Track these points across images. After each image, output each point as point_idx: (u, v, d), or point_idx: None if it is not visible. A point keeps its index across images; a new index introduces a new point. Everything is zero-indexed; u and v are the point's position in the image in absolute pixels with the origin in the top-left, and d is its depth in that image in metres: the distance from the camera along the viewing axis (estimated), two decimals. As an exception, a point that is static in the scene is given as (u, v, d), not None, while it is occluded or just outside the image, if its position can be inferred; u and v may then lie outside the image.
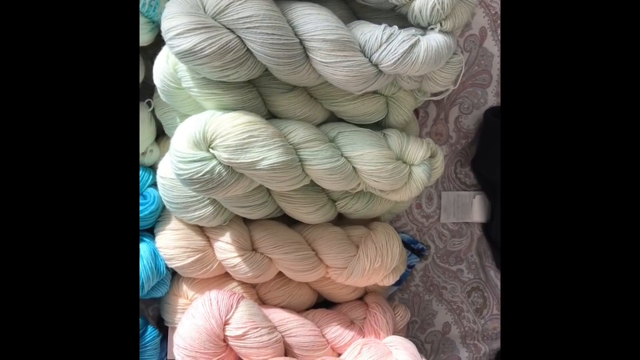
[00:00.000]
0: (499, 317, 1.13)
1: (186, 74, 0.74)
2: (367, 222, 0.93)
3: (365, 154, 0.79)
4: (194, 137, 0.71)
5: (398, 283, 1.04)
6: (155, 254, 0.85)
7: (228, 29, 0.68)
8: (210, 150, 0.71)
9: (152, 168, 0.87)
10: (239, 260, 0.83)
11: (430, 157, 0.85)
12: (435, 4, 0.72)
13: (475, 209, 1.08)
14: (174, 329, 0.86)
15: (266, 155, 0.71)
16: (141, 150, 0.84)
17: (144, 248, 0.85)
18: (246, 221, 0.87)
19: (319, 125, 0.82)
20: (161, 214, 0.87)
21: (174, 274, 0.90)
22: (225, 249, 0.84)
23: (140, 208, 0.83)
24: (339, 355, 0.89)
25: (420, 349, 1.04)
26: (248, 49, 0.69)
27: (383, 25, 0.73)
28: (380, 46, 0.71)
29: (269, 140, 0.72)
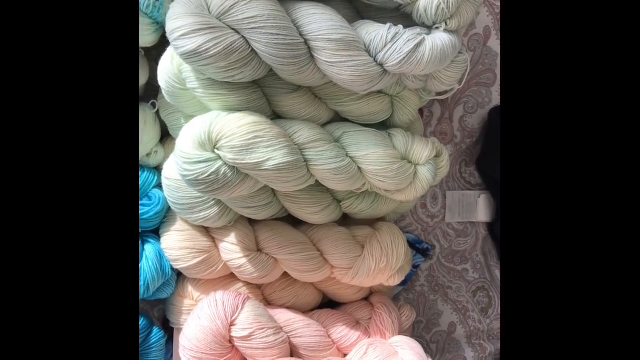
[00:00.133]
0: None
1: (191, 74, 0.74)
2: (372, 222, 0.93)
3: (370, 153, 0.78)
4: (199, 138, 0.71)
5: (403, 283, 1.04)
6: (160, 255, 0.85)
7: (233, 29, 0.68)
8: (216, 151, 0.71)
9: (157, 169, 0.87)
10: (244, 261, 0.83)
11: (435, 156, 0.85)
12: (441, 3, 0.72)
13: (480, 208, 1.08)
14: (179, 330, 0.86)
15: (271, 155, 0.71)
16: (146, 151, 0.84)
17: (149, 249, 0.85)
18: (251, 222, 0.87)
19: (323, 125, 0.82)
20: (166, 215, 0.87)
21: (179, 275, 0.90)
22: (231, 249, 0.84)
23: (146, 209, 0.83)
24: (345, 355, 0.88)
25: (426, 349, 1.03)
26: (253, 50, 0.69)
27: (388, 25, 0.73)
28: (385, 45, 0.71)
29: (274, 140, 0.72)
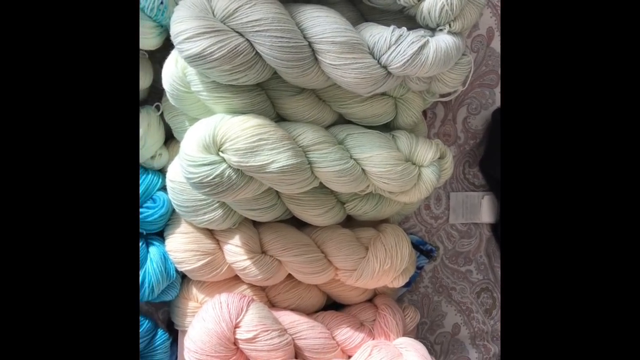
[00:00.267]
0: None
1: (195, 77, 0.74)
2: (376, 224, 0.93)
3: (374, 155, 0.78)
4: (204, 141, 0.71)
5: (407, 284, 1.04)
6: (165, 258, 0.85)
7: (237, 32, 0.68)
8: (220, 153, 0.71)
9: (162, 172, 0.87)
10: (248, 263, 0.83)
11: (439, 158, 0.85)
12: (444, 5, 0.72)
13: (484, 209, 1.08)
14: (184, 332, 0.86)
15: (276, 158, 0.71)
16: (150, 154, 0.85)
17: (153, 251, 0.85)
18: (255, 224, 0.87)
19: (327, 127, 0.82)
20: (171, 218, 0.87)
21: (183, 277, 0.90)
22: (235, 251, 0.84)
23: (150, 212, 0.84)
24: (349, 357, 0.88)
25: (430, 350, 1.04)
26: (257, 52, 0.69)
27: (392, 27, 0.73)
28: (389, 48, 0.71)
29: (279, 143, 0.72)
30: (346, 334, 0.89)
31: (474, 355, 1.12)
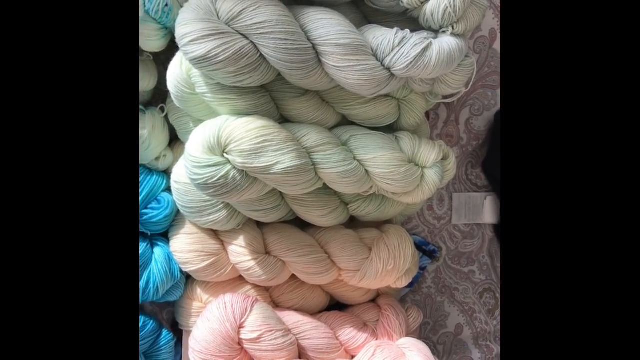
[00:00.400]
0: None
1: (200, 79, 0.75)
2: (379, 225, 0.93)
3: (377, 157, 0.79)
4: (209, 142, 0.71)
5: (410, 285, 1.04)
6: (169, 258, 0.86)
7: (242, 34, 0.69)
8: (225, 155, 0.72)
9: (166, 173, 0.88)
10: (252, 263, 0.84)
11: (442, 159, 0.85)
12: (447, 7, 0.72)
13: (487, 210, 1.08)
14: (188, 332, 0.87)
15: (280, 159, 0.72)
16: (155, 155, 0.85)
17: (158, 252, 0.86)
18: (259, 225, 0.88)
19: (331, 128, 0.82)
20: (175, 218, 0.87)
21: (188, 277, 0.91)
22: (239, 252, 0.84)
23: (155, 213, 0.84)
24: (353, 357, 0.89)
25: (433, 351, 1.04)
26: (261, 54, 0.70)
27: (395, 29, 0.73)
28: (392, 50, 0.72)
29: (283, 144, 0.72)
30: (349, 334, 0.89)
31: (476, 356, 1.13)
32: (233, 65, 0.68)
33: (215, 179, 0.71)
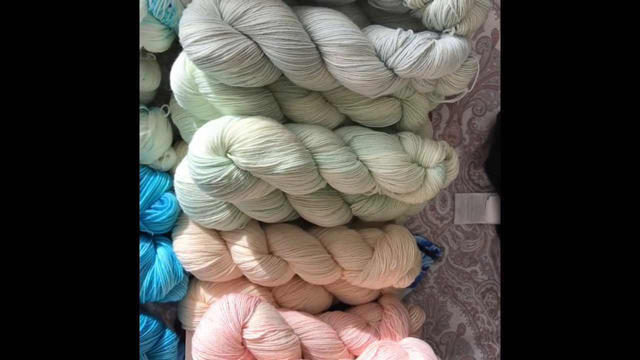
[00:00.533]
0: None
1: (203, 80, 0.75)
2: (382, 225, 0.93)
3: (380, 157, 0.79)
4: (212, 143, 0.71)
5: (413, 285, 1.04)
6: (172, 258, 0.86)
7: (245, 35, 0.69)
8: (228, 155, 0.72)
9: (169, 173, 0.88)
10: (255, 263, 0.84)
11: (445, 159, 0.86)
12: (450, 8, 0.73)
13: (489, 210, 1.08)
14: (191, 332, 0.87)
15: (283, 159, 0.72)
16: (158, 155, 0.85)
17: (161, 252, 0.86)
18: (262, 225, 0.88)
19: (334, 129, 0.83)
20: (178, 219, 0.87)
21: (191, 277, 0.91)
22: (242, 252, 0.84)
23: (158, 213, 0.84)
24: (356, 357, 0.89)
25: (436, 351, 1.04)
26: (265, 55, 0.70)
27: (398, 30, 0.73)
28: (395, 50, 0.72)
29: (286, 144, 0.72)
30: (352, 334, 0.89)
31: (479, 356, 1.13)
32: (237, 66, 0.68)
33: (219, 179, 0.71)
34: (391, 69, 0.73)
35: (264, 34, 0.68)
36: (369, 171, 0.80)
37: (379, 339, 0.91)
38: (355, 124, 0.85)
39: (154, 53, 0.82)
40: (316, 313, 0.93)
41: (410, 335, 0.93)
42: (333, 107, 0.82)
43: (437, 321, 1.12)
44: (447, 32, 0.76)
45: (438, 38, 0.75)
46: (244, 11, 0.68)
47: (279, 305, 0.91)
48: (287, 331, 0.83)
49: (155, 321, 0.88)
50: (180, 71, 0.77)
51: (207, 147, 0.72)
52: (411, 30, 0.74)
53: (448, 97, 0.90)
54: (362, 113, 0.82)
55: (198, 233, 0.85)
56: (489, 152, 1.06)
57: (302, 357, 0.86)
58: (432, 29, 0.77)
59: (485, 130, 1.06)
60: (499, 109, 1.05)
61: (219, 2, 0.69)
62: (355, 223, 0.93)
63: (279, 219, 0.85)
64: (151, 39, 0.78)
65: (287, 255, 0.85)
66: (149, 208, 0.84)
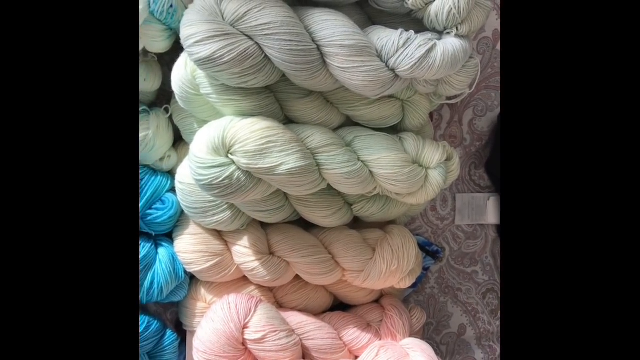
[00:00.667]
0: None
1: (205, 80, 0.75)
2: (383, 225, 0.94)
3: (381, 157, 0.79)
4: (213, 143, 0.71)
5: (413, 285, 1.04)
6: (173, 259, 0.86)
7: (246, 35, 0.69)
8: (229, 155, 0.72)
9: (170, 173, 0.88)
10: (256, 264, 0.84)
11: (446, 160, 0.86)
12: (452, 9, 0.73)
13: (490, 210, 1.08)
14: (192, 332, 0.87)
15: (284, 160, 0.72)
16: (159, 155, 0.85)
17: (162, 253, 0.86)
18: (263, 225, 0.88)
19: (335, 129, 0.83)
20: (179, 219, 0.88)
21: (192, 278, 0.91)
22: (243, 252, 0.84)
23: (159, 213, 0.84)
24: (356, 357, 0.89)
25: (436, 351, 1.04)
26: (266, 56, 0.70)
27: (399, 30, 0.73)
28: (397, 51, 0.72)
29: (287, 145, 0.72)
30: (353, 335, 0.89)
31: (479, 356, 1.13)
32: (238, 67, 0.68)
33: (220, 179, 0.71)
34: (392, 70, 0.73)
35: (265, 34, 0.68)
36: (370, 172, 0.80)
37: (380, 340, 0.91)
38: (357, 124, 0.85)
39: (155, 54, 0.83)
40: (317, 313, 0.93)
41: (411, 335, 0.93)
42: (334, 107, 0.82)
43: (437, 321, 1.12)
44: (448, 33, 0.76)
45: (439, 39, 0.75)
46: (246, 12, 0.68)
47: (279, 305, 0.91)
48: (288, 331, 0.83)
49: (156, 321, 0.88)
50: (182, 72, 0.77)
51: (209, 148, 0.72)
52: (412, 31, 0.74)
53: (449, 98, 0.90)
54: (363, 114, 0.82)
55: (199, 233, 0.85)
56: (490, 153, 1.06)
57: (303, 358, 0.86)
58: (433, 30, 0.77)
59: (486, 131, 1.06)
60: (500, 109, 1.05)
61: (221, 2, 0.69)
62: (356, 223, 0.93)
63: (280, 219, 0.85)
64: (152, 40, 0.78)
65: (288, 256, 0.86)
66: (150, 208, 0.84)
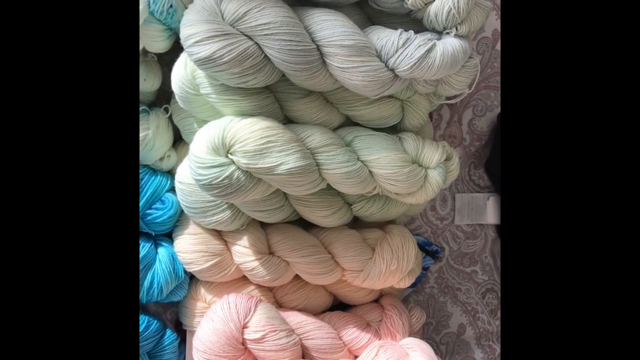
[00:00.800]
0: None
1: (204, 80, 0.75)
2: (382, 225, 0.94)
3: (381, 157, 0.79)
4: (213, 143, 0.72)
5: (413, 285, 1.04)
6: (173, 258, 0.86)
7: (246, 35, 0.69)
8: (229, 155, 0.72)
9: (170, 173, 0.88)
10: (256, 263, 0.84)
11: (445, 159, 0.86)
12: (451, 9, 0.73)
13: (489, 210, 1.08)
14: (192, 332, 0.87)
15: (284, 160, 0.72)
16: (159, 155, 0.85)
17: (162, 252, 0.86)
18: (263, 225, 0.88)
19: (335, 129, 0.83)
20: (179, 219, 0.88)
21: (192, 277, 0.91)
22: (243, 252, 0.84)
23: (159, 213, 0.84)
24: (356, 357, 0.89)
25: (436, 351, 1.04)
26: (266, 56, 0.70)
27: (399, 30, 0.73)
28: (396, 51, 0.72)
29: (287, 145, 0.73)
30: (353, 334, 0.89)
31: (479, 356, 1.13)
32: (238, 66, 0.68)
33: (220, 179, 0.71)
34: (392, 70, 0.73)
35: (265, 34, 0.68)
36: (370, 171, 0.80)
37: (380, 339, 0.91)
38: (356, 124, 0.85)
39: (155, 53, 0.83)
40: (317, 313, 0.93)
41: (410, 335, 0.93)
42: (334, 107, 0.82)
43: (437, 321, 1.12)
44: (447, 33, 0.76)
45: (439, 39, 0.75)
46: (245, 12, 0.68)
47: (279, 305, 0.91)
48: (288, 331, 0.83)
49: (156, 321, 0.88)
50: (181, 72, 0.77)
51: (208, 148, 0.72)
52: (412, 31, 0.74)
53: (448, 98, 0.90)
54: (362, 113, 0.82)
55: (199, 233, 0.85)
56: (489, 153, 1.06)
57: (303, 357, 0.86)
58: (433, 30, 0.77)
59: (485, 131, 1.06)
60: (499, 109, 1.05)
61: (220, 2, 0.69)
62: (356, 223, 0.93)
63: (279, 219, 0.85)
64: (152, 40, 0.78)
65: (287, 256, 0.86)
66: (150, 208, 0.84)
